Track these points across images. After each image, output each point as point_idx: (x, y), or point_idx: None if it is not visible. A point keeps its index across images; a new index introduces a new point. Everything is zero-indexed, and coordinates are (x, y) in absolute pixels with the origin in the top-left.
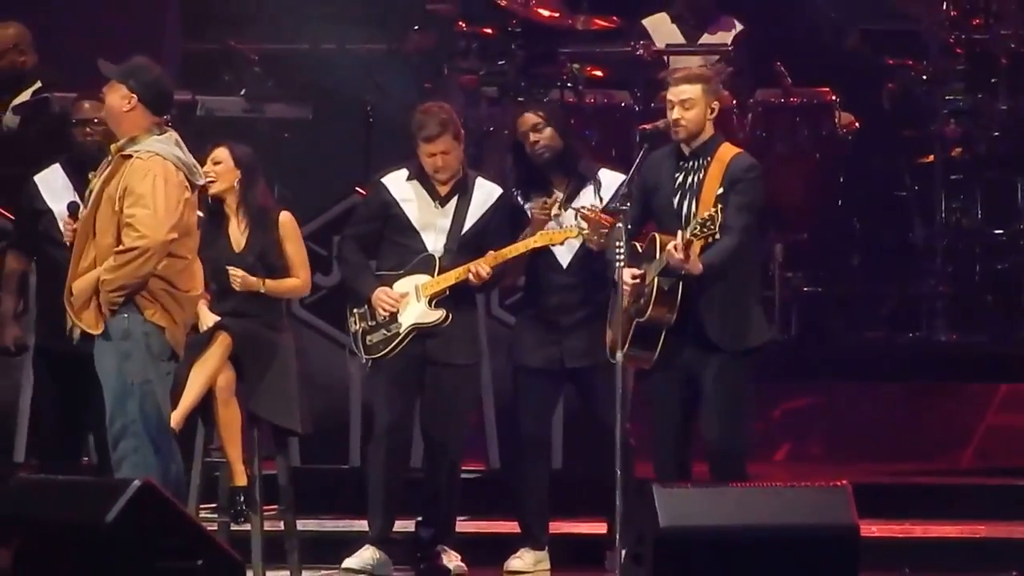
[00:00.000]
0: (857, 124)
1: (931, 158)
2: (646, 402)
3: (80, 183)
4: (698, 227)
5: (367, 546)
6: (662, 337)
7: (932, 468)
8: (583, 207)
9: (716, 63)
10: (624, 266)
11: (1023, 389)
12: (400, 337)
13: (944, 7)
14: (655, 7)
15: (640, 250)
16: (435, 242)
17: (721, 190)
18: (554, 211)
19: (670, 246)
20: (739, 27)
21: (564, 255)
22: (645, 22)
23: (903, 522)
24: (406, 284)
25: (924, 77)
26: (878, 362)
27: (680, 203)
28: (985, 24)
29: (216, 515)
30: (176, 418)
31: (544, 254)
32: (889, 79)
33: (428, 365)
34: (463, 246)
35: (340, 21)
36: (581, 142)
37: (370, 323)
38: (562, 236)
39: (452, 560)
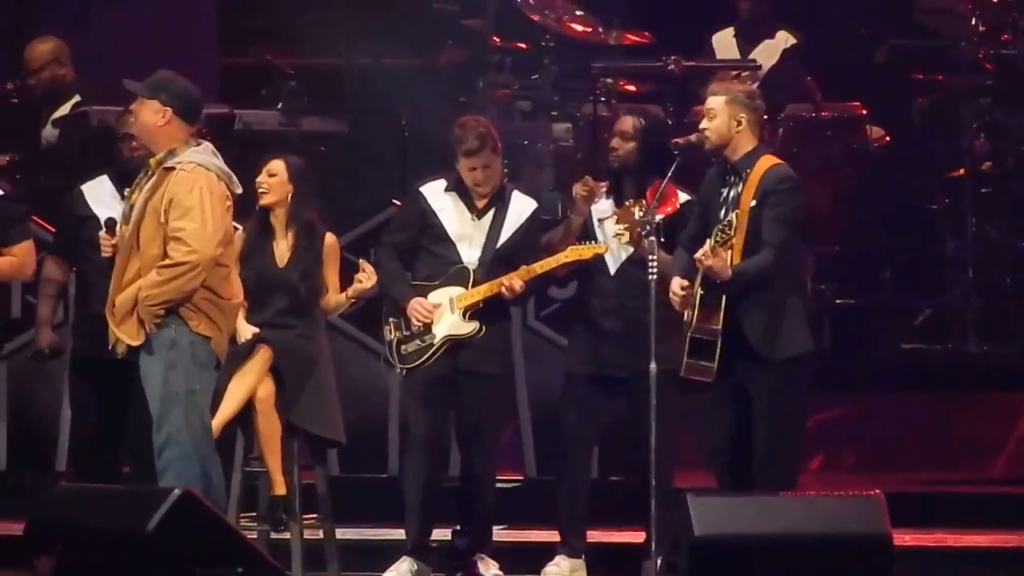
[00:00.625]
0: (888, 138)
1: (961, 172)
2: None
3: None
4: (718, 233)
5: (404, 557)
6: (718, 349)
7: (964, 478)
8: (623, 206)
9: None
10: (659, 275)
11: None
12: (434, 348)
13: (973, 23)
14: (716, 21)
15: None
16: (470, 254)
17: (754, 202)
18: (597, 205)
19: (698, 254)
20: (791, 41)
21: (612, 261)
22: (714, 38)
23: (935, 531)
24: (441, 295)
25: (953, 92)
26: (910, 373)
27: (726, 216)
28: (1013, 39)
29: (256, 524)
30: (214, 427)
31: (594, 260)
32: (919, 94)
33: (461, 375)
34: (497, 259)
35: (375, 36)
36: (655, 164)
37: (405, 333)
38: (591, 251)
39: (490, 568)
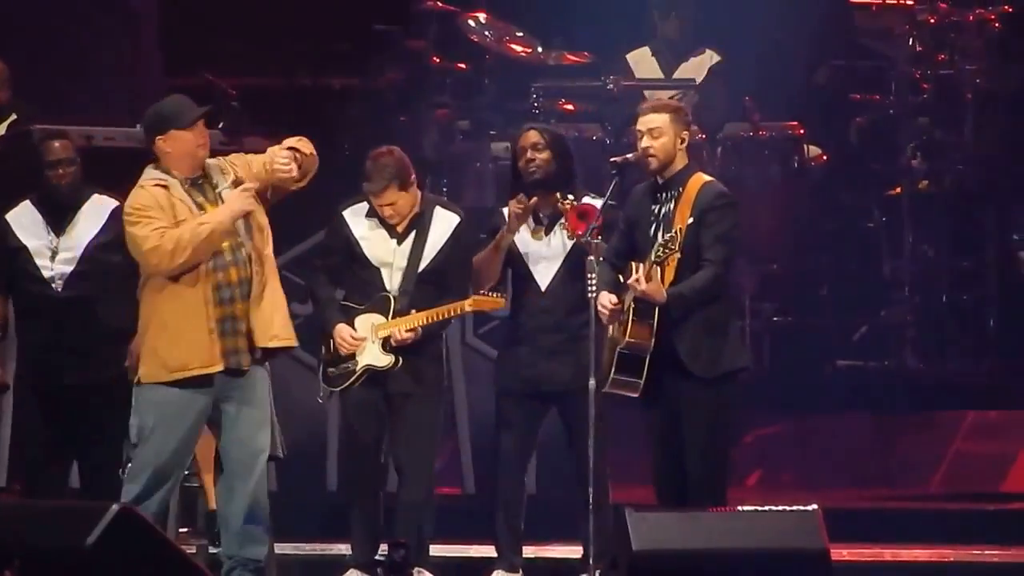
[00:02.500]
0: (825, 158)
1: (898, 190)
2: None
3: (55, 221)
4: (661, 249)
5: (351, 570)
6: (646, 365)
7: (901, 494)
8: (567, 200)
9: (682, 95)
10: (597, 293)
11: (990, 416)
12: (355, 374)
13: (910, 43)
14: (633, 41)
15: (623, 279)
16: (392, 281)
17: (691, 220)
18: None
19: (631, 280)
20: (715, 59)
21: (543, 278)
22: (628, 56)
23: (873, 546)
24: (363, 323)
25: (891, 112)
26: (847, 390)
27: (656, 234)
28: (950, 60)
29: (194, 539)
30: None
31: (524, 278)
32: (857, 114)
33: (392, 396)
34: (421, 284)
35: (316, 56)
36: (574, 172)
37: (332, 356)
38: (492, 304)
39: None
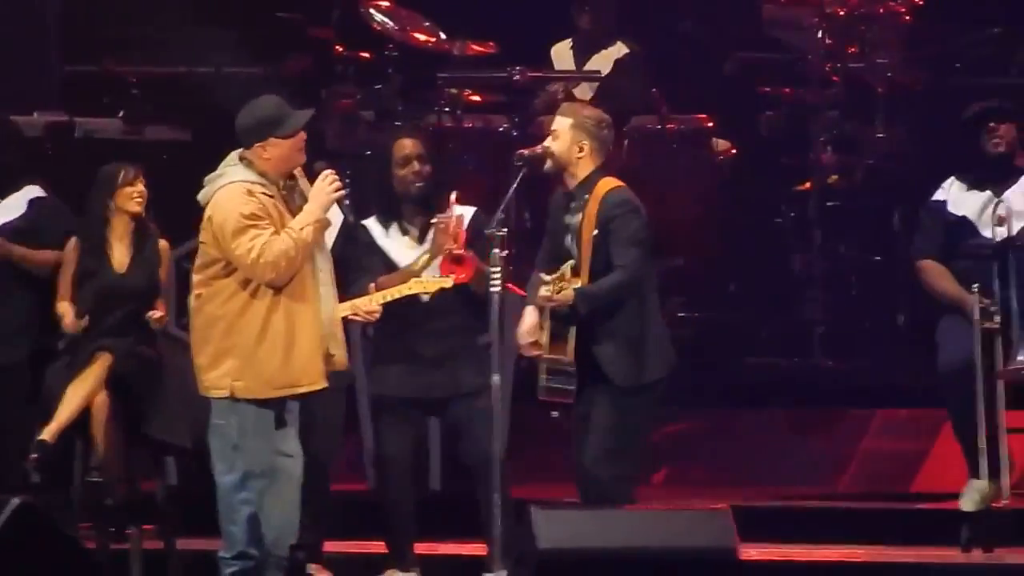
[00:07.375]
0: (734, 151)
1: (808, 185)
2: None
3: None
4: (552, 285)
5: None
6: (575, 374)
7: (811, 492)
8: (439, 218)
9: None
10: (499, 290)
11: (900, 415)
12: None
13: (820, 36)
14: (550, 34)
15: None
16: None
17: (596, 231)
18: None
19: (540, 295)
20: (624, 50)
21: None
22: (553, 50)
23: (782, 545)
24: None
25: (801, 105)
26: (756, 387)
27: (570, 243)
28: (861, 53)
29: (95, 533)
30: (51, 432)
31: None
32: (766, 107)
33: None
34: None
35: (219, 44)
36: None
37: None
38: (436, 284)
39: None
